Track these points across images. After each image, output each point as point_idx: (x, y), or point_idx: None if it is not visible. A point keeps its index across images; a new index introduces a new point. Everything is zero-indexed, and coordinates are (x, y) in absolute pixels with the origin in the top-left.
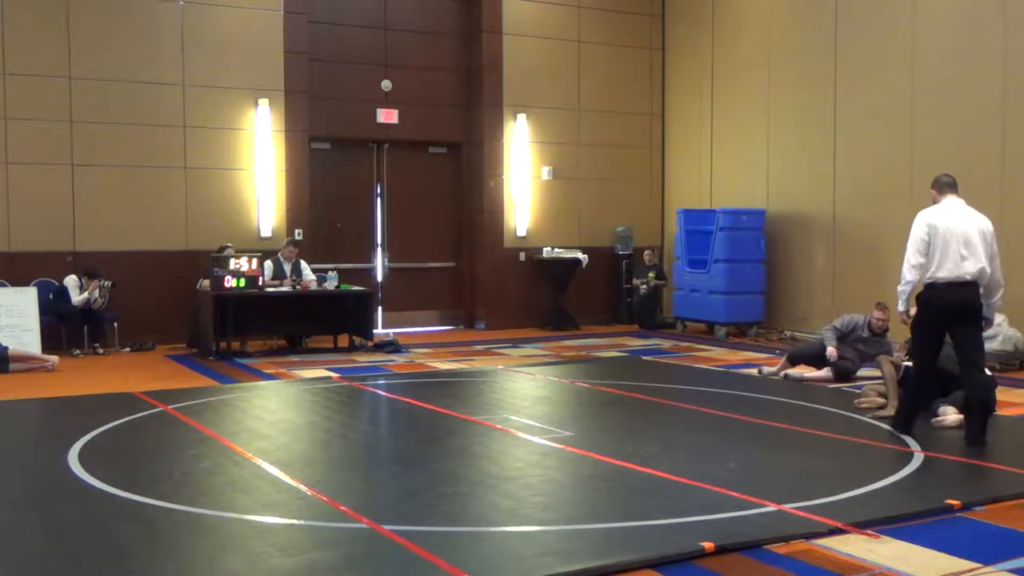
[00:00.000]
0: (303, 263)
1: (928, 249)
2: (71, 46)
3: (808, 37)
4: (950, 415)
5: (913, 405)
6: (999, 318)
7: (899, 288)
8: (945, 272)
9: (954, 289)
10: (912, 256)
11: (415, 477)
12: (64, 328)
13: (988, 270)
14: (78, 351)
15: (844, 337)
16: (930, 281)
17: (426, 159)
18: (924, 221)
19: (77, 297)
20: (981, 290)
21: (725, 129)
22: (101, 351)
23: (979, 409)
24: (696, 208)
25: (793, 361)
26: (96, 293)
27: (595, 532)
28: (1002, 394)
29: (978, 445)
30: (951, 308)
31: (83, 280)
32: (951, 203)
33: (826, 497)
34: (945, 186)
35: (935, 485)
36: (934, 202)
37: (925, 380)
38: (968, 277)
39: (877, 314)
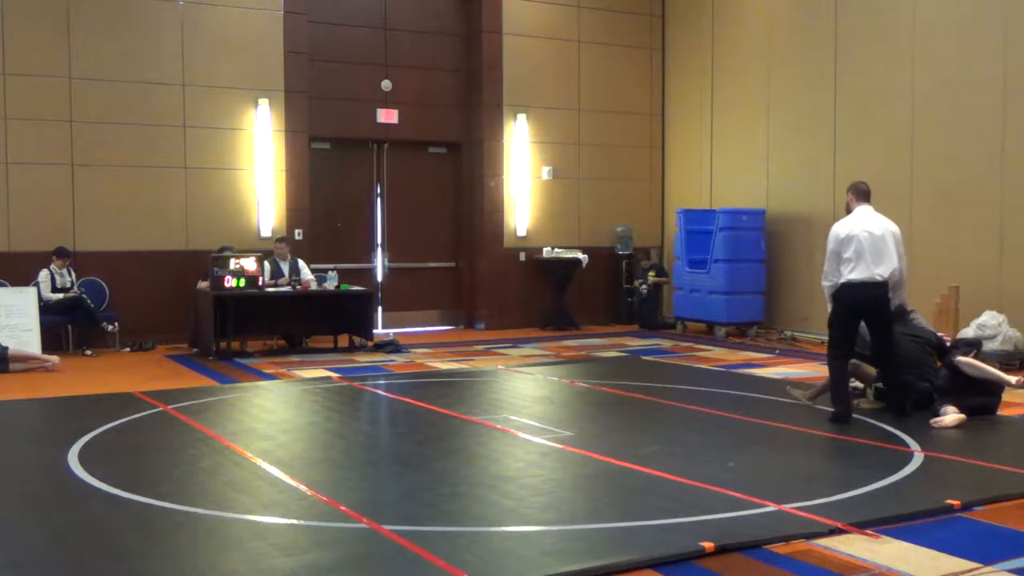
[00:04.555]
0: (301, 263)
1: (839, 260)
2: (71, 46)
3: (808, 37)
4: (950, 415)
5: (838, 398)
6: (999, 318)
7: (825, 291)
8: (855, 274)
9: (865, 288)
10: (827, 264)
11: (415, 477)
12: (65, 328)
13: (899, 269)
14: (90, 351)
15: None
16: (845, 281)
17: (426, 159)
18: (834, 235)
19: (48, 292)
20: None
21: (725, 129)
22: (89, 352)
23: (900, 388)
24: (696, 208)
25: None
26: (67, 277)
27: (595, 532)
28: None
29: (903, 415)
30: (861, 304)
31: (53, 263)
32: (861, 212)
33: (826, 497)
34: (861, 194)
35: (935, 485)
36: (848, 209)
37: (841, 371)
38: (878, 279)
39: None
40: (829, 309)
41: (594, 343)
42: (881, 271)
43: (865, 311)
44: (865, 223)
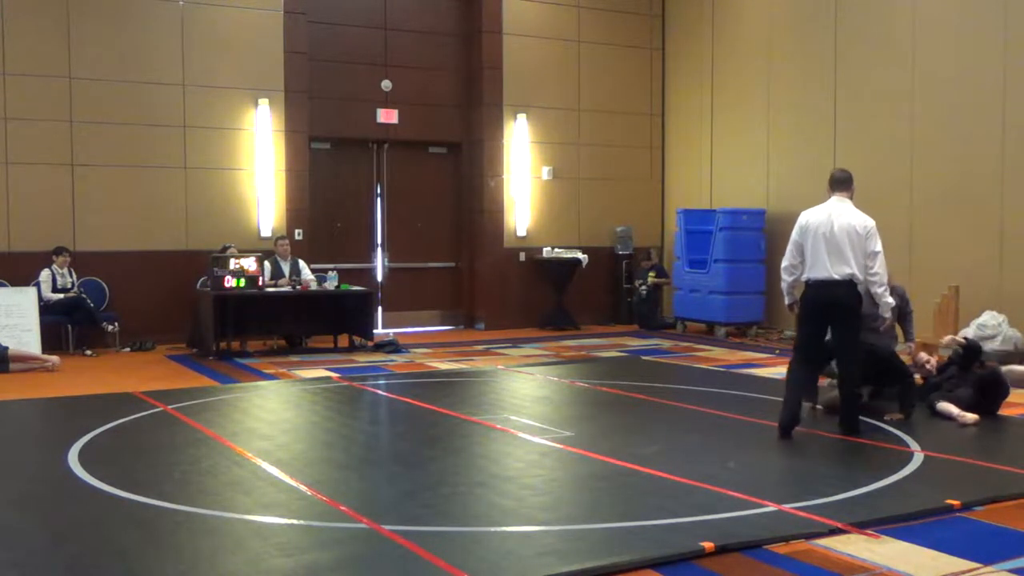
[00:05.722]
0: (301, 263)
1: (801, 250)
2: (71, 46)
3: (808, 37)
4: (968, 415)
5: (786, 402)
6: (999, 318)
7: (781, 284)
8: (814, 272)
9: (823, 288)
10: (785, 258)
11: (415, 477)
12: (65, 328)
13: (859, 272)
14: (90, 351)
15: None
16: (805, 279)
17: (426, 159)
18: (798, 223)
19: (48, 292)
20: (862, 287)
21: (725, 129)
22: (89, 352)
23: (845, 400)
24: (696, 208)
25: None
26: (68, 277)
27: (595, 532)
28: None
29: (852, 432)
30: (820, 305)
31: (54, 263)
32: (831, 203)
33: (826, 497)
34: (835, 183)
35: (935, 485)
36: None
37: (800, 373)
38: (837, 277)
39: None
40: (786, 303)
41: (594, 343)
42: (838, 270)
43: (825, 313)
44: (826, 216)
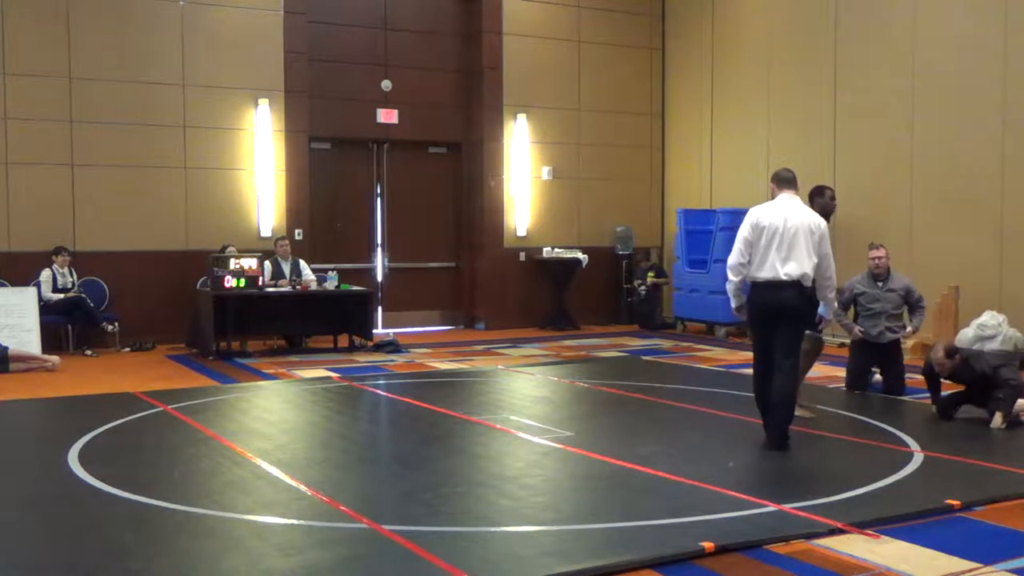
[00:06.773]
0: (302, 263)
1: (752, 248)
2: (71, 46)
3: (808, 37)
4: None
5: (759, 405)
6: (999, 318)
7: (726, 286)
8: (763, 273)
9: (771, 289)
10: (733, 256)
11: (415, 477)
12: (65, 328)
13: (811, 272)
14: (90, 351)
15: (852, 304)
16: (752, 280)
17: (426, 159)
18: (749, 220)
19: (48, 292)
20: (813, 288)
21: (725, 129)
22: (89, 352)
23: (773, 412)
24: (696, 208)
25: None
26: (68, 277)
27: (595, 532)
28: None
29: (778, 449)
30: (767, 307)
31: (54, 263)
32: (783, 200)
33: (826, 497)
34: (783, 181)
35: (935, 485)
36: (772, 196)
37: (760, 376)
38: (785, 278)
39: (872, 253)
40: (733, 307)
41: (594, 343)
42: (789, 270)
43: (770, 314)
44: (780, 214)
